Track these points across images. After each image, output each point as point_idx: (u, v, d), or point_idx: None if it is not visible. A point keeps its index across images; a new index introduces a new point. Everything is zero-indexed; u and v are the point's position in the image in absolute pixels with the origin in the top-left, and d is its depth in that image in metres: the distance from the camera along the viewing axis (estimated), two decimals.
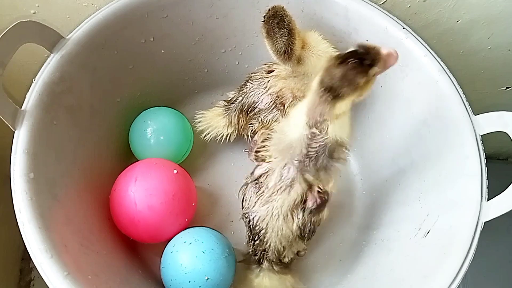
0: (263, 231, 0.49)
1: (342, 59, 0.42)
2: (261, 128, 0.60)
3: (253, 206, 0.50)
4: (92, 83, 0.54)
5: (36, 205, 0.42)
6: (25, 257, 0.76)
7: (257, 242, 0.51)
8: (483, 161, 0.46)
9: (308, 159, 0.46)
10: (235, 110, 0.60)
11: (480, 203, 0.44)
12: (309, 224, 0.49)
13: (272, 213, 0.48)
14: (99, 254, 0.49)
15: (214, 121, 0.62)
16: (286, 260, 0.52)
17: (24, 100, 0.46)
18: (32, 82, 0.47)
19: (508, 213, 0.42)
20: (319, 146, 0.46)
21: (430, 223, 0.49)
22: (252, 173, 0.51)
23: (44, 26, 0.47)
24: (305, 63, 0.55)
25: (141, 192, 0.52)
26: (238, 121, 0.60)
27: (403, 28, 0.53)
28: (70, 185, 0.49)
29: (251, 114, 0.59)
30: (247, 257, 0.55)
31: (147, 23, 0.56)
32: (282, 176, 0.47)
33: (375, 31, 0.55)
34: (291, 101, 0.56)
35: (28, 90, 0.46)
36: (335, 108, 0.43)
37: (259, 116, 0.59)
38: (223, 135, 0.62)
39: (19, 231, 0.41)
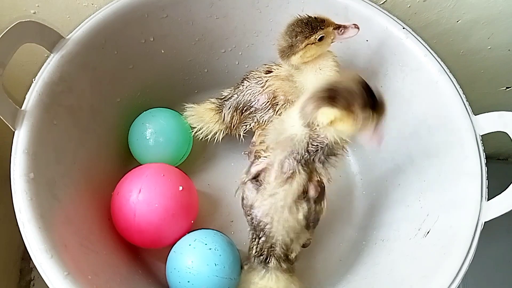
0: (268, 226, 0.49)
1: None
2: (257, 128, 0.59)
3: (255, 202, 0.49)
4: (92, 83, 0.54)
5: (36, 205, 0.42)
6: (25, 257, 0.76)
7: (263, 239, 0.50)
8: (483, 161, 0.46)
9: (307, 153, 0.47)
10: (229, 108, 0.59)
11: (480, 203, 0.44)
12: (313, 213, 0.49)
13: (276, 206, 0.48)
14: (99, 254, 0.49)
15: (206, 115, 0.61)
16: (293, 255, 0.51)
17: (24, 100, 0.46)
18: (32, 82, 0.47)
19: (508, 213, 0.42)
20: (318, 144, 0.47)
21: (430, 223, 0.49)
22: (248, 171, 0.51)
23: (44, 26, 0.47)
24: (302, 73, 0.55)
25: (143, 206, 0.52)
26: (232, 119, 0.59)
27: (403, 28, 0.53)
28: (70, 185, 0.49)
29: (246, 113, 0.58)
30: (251, 260, 0.53)
31: (147, 23, 0.56)
32: (282, 168, 0.48)
33: (375, 31, 0.55)
34: (283, 104, 0.55)
35: (28, 90, 0.46)
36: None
37: (255, 116, 0.58)
38: (213, 132, 0.61)
39: (19, 231, 0.41)
